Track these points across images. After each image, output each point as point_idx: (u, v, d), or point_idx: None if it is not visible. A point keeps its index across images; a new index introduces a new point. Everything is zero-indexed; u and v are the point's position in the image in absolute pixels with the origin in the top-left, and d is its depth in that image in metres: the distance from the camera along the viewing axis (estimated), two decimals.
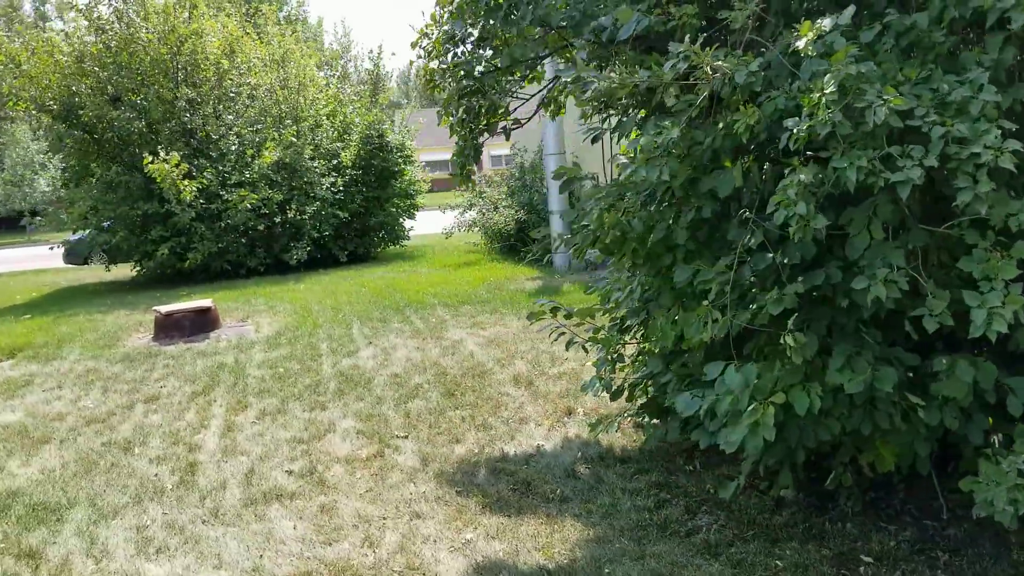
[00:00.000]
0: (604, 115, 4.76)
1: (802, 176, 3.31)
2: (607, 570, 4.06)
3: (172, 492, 5.41)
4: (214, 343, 9.68)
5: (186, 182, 14.50)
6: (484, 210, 15.83)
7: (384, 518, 4.86)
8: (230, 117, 15.94)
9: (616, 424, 5.58)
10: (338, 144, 16.78)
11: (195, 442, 6.32)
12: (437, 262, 15.75)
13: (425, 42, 5.97)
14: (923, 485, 4.41)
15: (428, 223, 20.94)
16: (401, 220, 17.75)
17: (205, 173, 14.97)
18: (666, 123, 3.63)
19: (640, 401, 5.59)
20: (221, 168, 15.41)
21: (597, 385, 5.66)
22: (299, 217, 15.72)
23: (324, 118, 17.10)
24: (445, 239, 18.07)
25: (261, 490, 5.35)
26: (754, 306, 3.70)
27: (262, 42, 17.07)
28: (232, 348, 9.33)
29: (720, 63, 3.48)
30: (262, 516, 4.98)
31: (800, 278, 3.60)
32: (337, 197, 16.32)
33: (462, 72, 5.57)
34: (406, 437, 6.19)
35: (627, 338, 5.29)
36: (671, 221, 4.00)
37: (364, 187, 17.05)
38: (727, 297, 3.65)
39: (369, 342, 9.18)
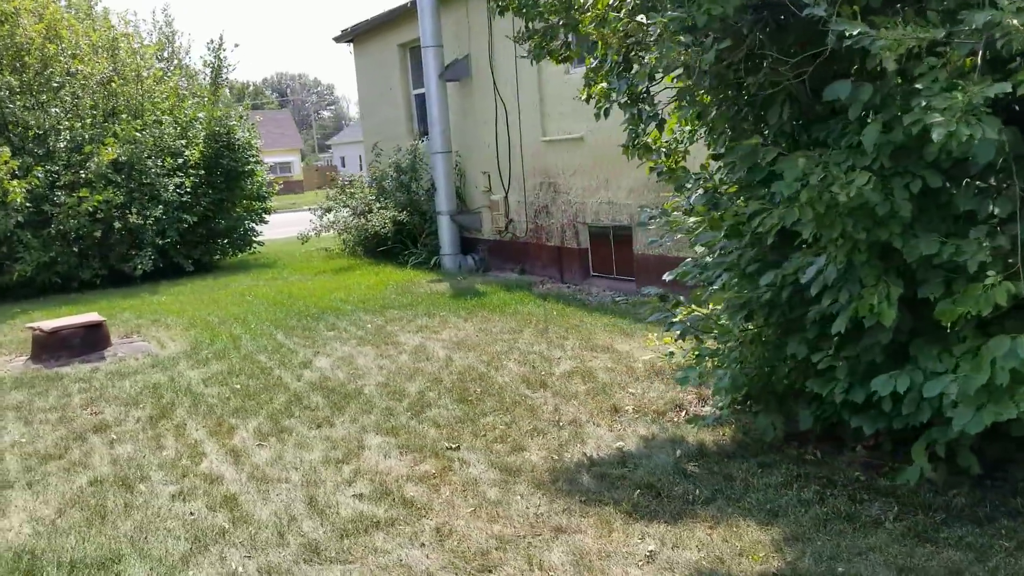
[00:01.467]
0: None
1: None
2: (840, 569, 3.76)
3: (235, 531, 4.47)
4: (119, 362, 8.31)
5: (15, 182, 12.48)
6: (358, 212, 14.91)
7: (523, 536, 4.28)
8: (55, 110, 13.93)
9: (719, 418, 5.29)
10: (181, 142, 15.17)
11: (207, 472, 5.31)
12: (307, 268, 14.64)
13: None
14: None
15: (271, 228, 19.45)
16: (251, 225, 16.34)
17: (35, 172, 12.96)
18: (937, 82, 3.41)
19: (731, 396, 5.35)
20: (49, 168, 13.42)
21: (694, 375, 5.38)
22: (142, 222, 14.01)
23: (164, 113, 15.41)
24: (301, 244, 16.87)
25: (344, 518, 4.55)
26: None
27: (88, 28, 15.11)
28: (148, 367, 8.05)
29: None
30: (375, 548, 4.22)
31: None
32: (183, 200, 14.72)
33: None
34: (457, 448, 5.57)
35: (750, 325, 5.02)
36: (890, 194, 3.77)
37: (211, 189, 15.52)
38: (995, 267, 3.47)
39: (315, 352, 8.27)
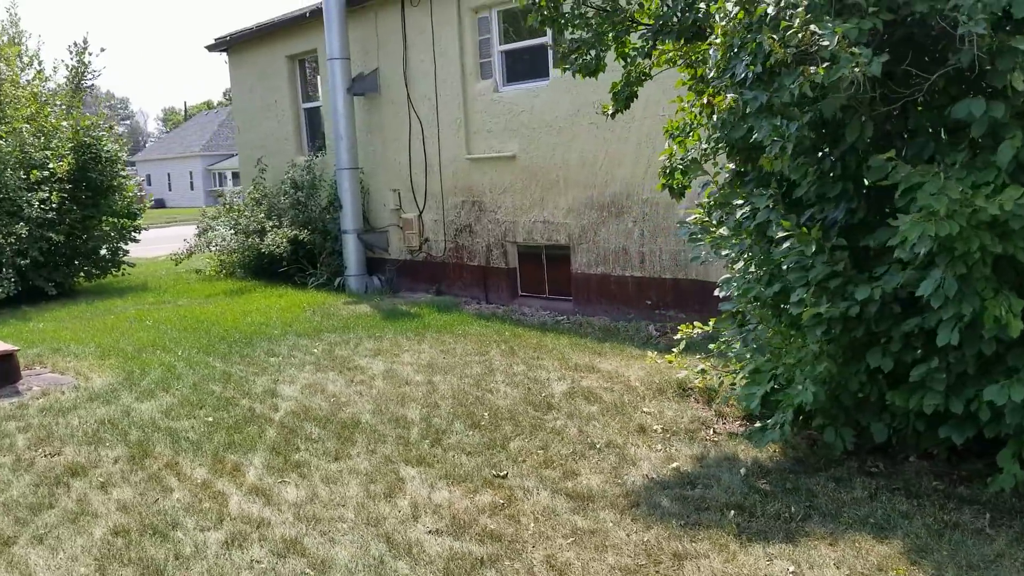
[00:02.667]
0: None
1: None
2: None
3: None
4: (42, 396, 7.32)
5: None
6: (250, 231, 13.95)
7: (648, 564, 4.08)
8: None
9: (777, 433, 5.28)
10: (46, 152, 13.70)
11: (244, 515, 4.73)
12: (191, 291, 13.56)
13: None
14: None
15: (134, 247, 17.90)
16: (120, 244, 14.95)
17: None
18: None
19: (776, 412, 5.36)
20: None
21: (757, 392, 5.36)
22: (1, 241, 12.52)
23: (23, 121, 13.89)
24: (175, 265, 15.62)
25: (439, 556, 4.17)
26: None
27: None
28: (85, 400, 7.14)
29: None
30: None
31: None
32: (48, 217, 13.28)
33: None
34: (505, 476, 5.27)
35: (810, 341, 5.03)
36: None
37: (76, 205, 14.10)
38: None
39: (272, 380, 7.63)
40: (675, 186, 6.56)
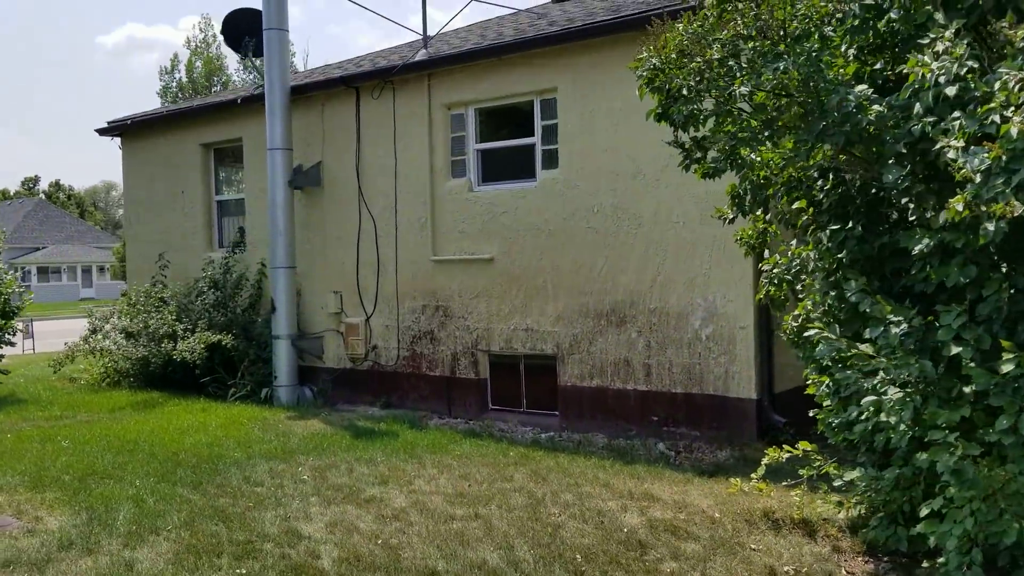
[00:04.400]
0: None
1: None
2: None
3: None
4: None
5: None
6: (160, 335, 12.23)
7: None
8: None
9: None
10: None
11: None
12: (90, 405, 11.62)
13: None
14: None
15: None
16: None
17: None
18: None
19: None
20: None
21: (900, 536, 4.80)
22: None
23: None
24: (54, 372, 13.50)
25: None
26: None
27: None
28: (59, 548, 5.62)
29: None
30: None
31: None
32: None
33: None
34: None
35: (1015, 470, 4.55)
36: None
37: None
38: None
39: (281, 517, 6.35)
40: (776, 297, 6.08)
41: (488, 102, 10.37)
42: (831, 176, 5.70)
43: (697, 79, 4.85)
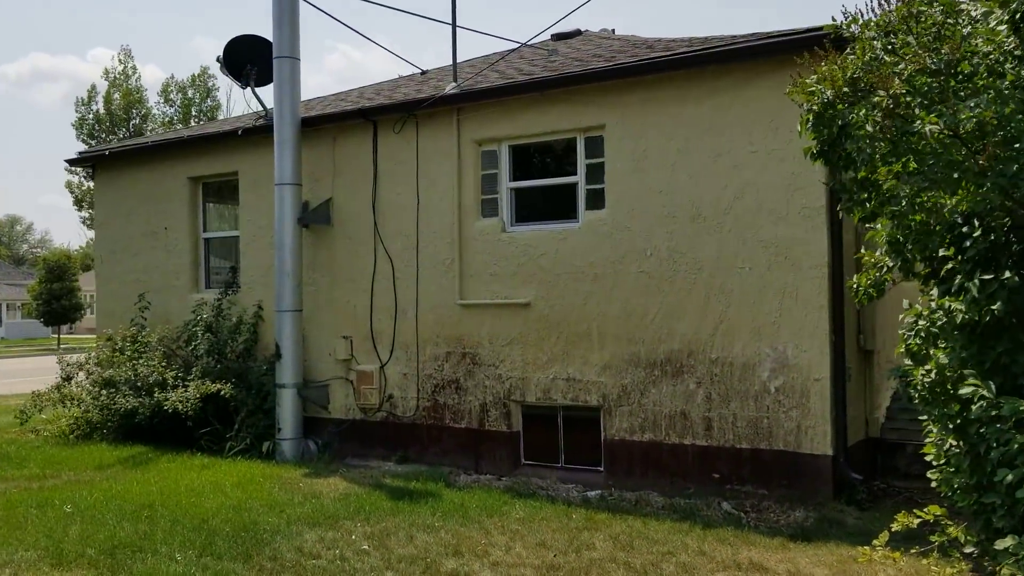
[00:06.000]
0: None
1: None
2: None
3: None
4: None
5: None
6: (148, 384, 11.20)
7: None
8: None
9: None
10: None
11: None
12: (69, 462, 10.47)
13: None
14: None
15: None
16: None
17: None
18: None
19: None
20: None
21: None
22: None
23: None
24: (20, 424, 12.28)
25: None
26: None
27: None
28: None
29: None
30: None
31: None
32: None
33: None
34: None
35: None
36: None
37: None
38: None
39: None
40: (917, 351, 5.65)
41: (525, 139, 9.85)
42: (976, 222, 5.36)
43: (882, 114, 4.42)
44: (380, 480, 9.28)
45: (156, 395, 11.12)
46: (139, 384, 11.49)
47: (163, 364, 11.56)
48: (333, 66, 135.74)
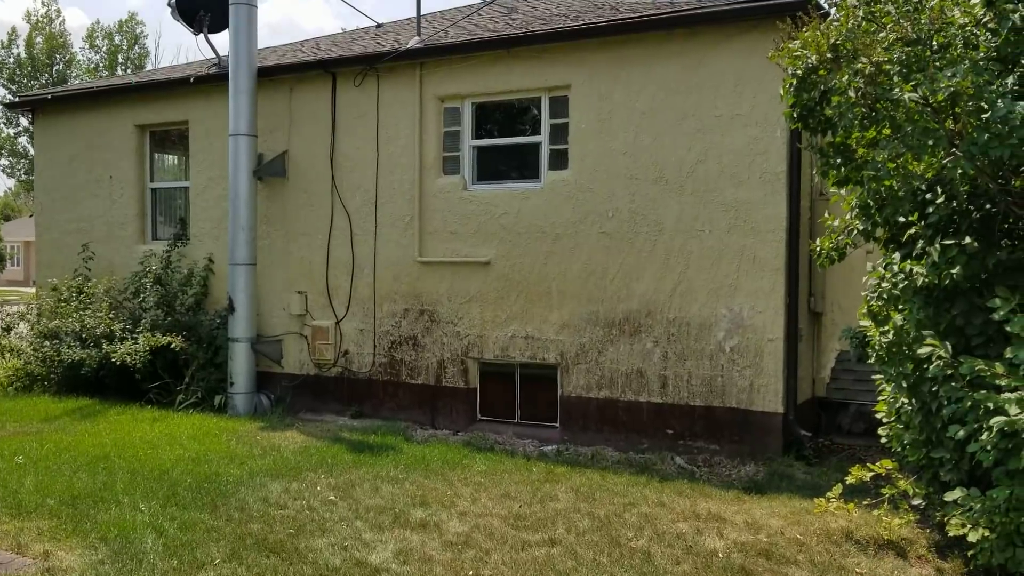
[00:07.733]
0: None
1: None
2: None
3: None
4: None
5: None
6: (95, 335, 10.92)
7: None
8: None
9: None
10: None
11: None
12: (13, 413, 10.25)
13: None
14: None
15: None
16: None
17: None
18: None
19: None
20: None
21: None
22: None
23: None
24: None
25: None
26: None
27: None
28: None
29: None
30: None
31: None
32: None
33: None
34: None
35: None
36: None
37: None
38: None
39: (338, 545, 5.68)
40: (879, 312, 5.88)
41: (489, 96, 9.82)
42: (939, 189, 5.58)
43: (864, 81, 4.57)
44: (338, 434, 9.30)
45: (104, 347, 10.88)
46: (85, 336, 11.23)
47: (110, 316, 11.31)
48: (266, 19, 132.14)
